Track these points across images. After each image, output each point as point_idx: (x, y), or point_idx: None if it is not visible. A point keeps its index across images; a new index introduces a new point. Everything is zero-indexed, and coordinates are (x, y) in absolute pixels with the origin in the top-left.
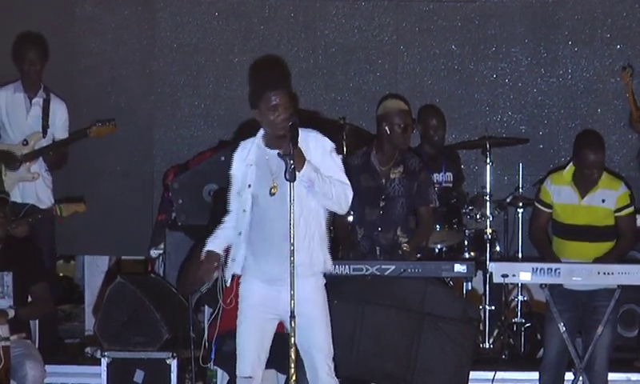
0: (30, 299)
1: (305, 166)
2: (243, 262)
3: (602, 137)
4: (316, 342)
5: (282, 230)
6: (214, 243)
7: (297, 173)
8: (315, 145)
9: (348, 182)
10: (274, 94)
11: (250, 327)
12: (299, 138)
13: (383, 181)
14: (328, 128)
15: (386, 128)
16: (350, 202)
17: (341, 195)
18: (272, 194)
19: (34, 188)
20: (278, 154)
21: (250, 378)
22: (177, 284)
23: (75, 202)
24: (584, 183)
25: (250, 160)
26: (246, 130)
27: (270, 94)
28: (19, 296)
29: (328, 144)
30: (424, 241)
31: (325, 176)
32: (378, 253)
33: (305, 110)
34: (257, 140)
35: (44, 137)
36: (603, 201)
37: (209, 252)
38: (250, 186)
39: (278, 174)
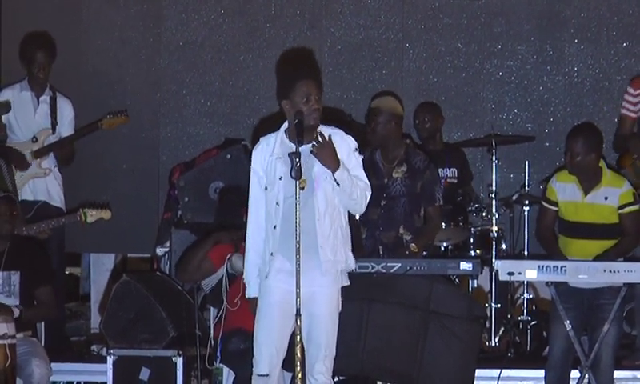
0: (35, 302)
1: (340, 168)
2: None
3: (589, 128)
4: (317, 339)
5: (305, 225)
6: (254, 287)
7: (334, 175)
8: (341, 142)
9: (368, 182)
10: (308, 85)
11: (268, 325)
12: (326, 133)
13: (385, 180)
14: (335, 119)
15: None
16: (367, 202)
17: (362, 196)
18: (301, 188)
19: (44, 185)
20: (311, 151)
21: (267, 375)
22: (176, 268)
23: (100, 207)
24: (587, 180)
25: (277, 153)
26: (264, 128)
27: (304, 84)
28: (27, 296)
29: (352, 143)
30: (430, 240)
31: (351, 174)
32: (380, 252)
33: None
34: (280, 134)
35: (53, 133)
36: (606, 198)
37: (252, 300)
38: (281, 178)
39: (305, 168)
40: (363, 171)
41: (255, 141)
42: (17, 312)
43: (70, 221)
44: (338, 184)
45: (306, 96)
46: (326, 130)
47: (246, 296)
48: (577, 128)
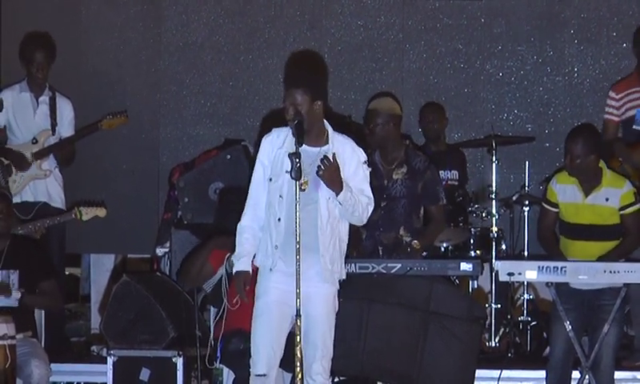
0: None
1: (343, 190)
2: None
3: (588, 130)
4: (314, 339)
5: (307, 227)
6: (243, 262)
7: (337, 197)
8: (352, 153)
9: (372, 195)
10: (287, 92)
11: (266, 325)
12: (337, 141)
13: (385, 181)
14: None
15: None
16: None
17: (364, 211)
18: (302, 190)
19: (45, 186)
20: (317, 173)
21: (265, 375)
22: (177, 276)
23: (95, 205)
24: (587, 181)
25: (287, 148)
26: (267, 126)
27: (287, 94)
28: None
29: (362, 155)
30: (435, 239)
31: (354, 193)
32: (380, 253)
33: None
34: (291, 131)
35: (53, 134)
36: (607, 199)
37: (240, 273)
38: (287, 171)
39: (309, 170)
40: (369, 185)
41: (259, 140)
42: (18, 294)
43: (65, 219)
44: (340, 204)
45: (285, 103)
46: (336, 138)
47: (234, 270)
48: (576, 130)
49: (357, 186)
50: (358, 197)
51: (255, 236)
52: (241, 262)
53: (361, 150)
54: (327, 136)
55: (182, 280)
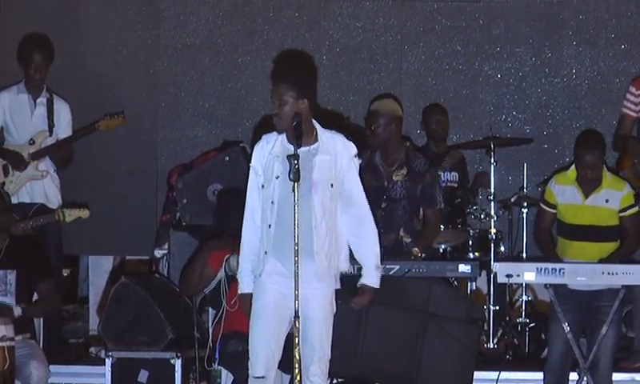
0: (36, 297)
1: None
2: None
3: (600, 137)
4: (312, 341)
5: (301, 228)
6: (246, 283)
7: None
8: (342, 148)
9: (369, 210)
10: (272, 89)
11: (264, 327)
12: (326, 138)
13: (385, 182)
14: (333, 121)
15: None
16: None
17: (377, 240)
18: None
19: (42, 187)
20: (288, 156)
21: (263, 377)
22: (179, 285)
23: (79, 207)
24: (587, 183)
25: (275, 152)
26: (265, 127)
27: (272, 89)
28: (24, 295)
29: (353, 149)
30: (430, 243)
31: (378, 265)
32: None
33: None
34: (281, 135)
35: (50, 135)
36: (607, 201)
37: (244, 295)
38: (277, 177)
39: (303, 169)
40: (359, 177)
41: (255, 140)
42: (19, 311)
43: (48, 220)
44: None
45: (272, 100)
46: (325, 135)
47: (239, 292)
48: (589, 141)
49: (349, 183)
50: (375, 250)
51: (253, 248)
52: (244, 284)
53: (351, 143)
54: (316, 134)
55: (183, 288)
